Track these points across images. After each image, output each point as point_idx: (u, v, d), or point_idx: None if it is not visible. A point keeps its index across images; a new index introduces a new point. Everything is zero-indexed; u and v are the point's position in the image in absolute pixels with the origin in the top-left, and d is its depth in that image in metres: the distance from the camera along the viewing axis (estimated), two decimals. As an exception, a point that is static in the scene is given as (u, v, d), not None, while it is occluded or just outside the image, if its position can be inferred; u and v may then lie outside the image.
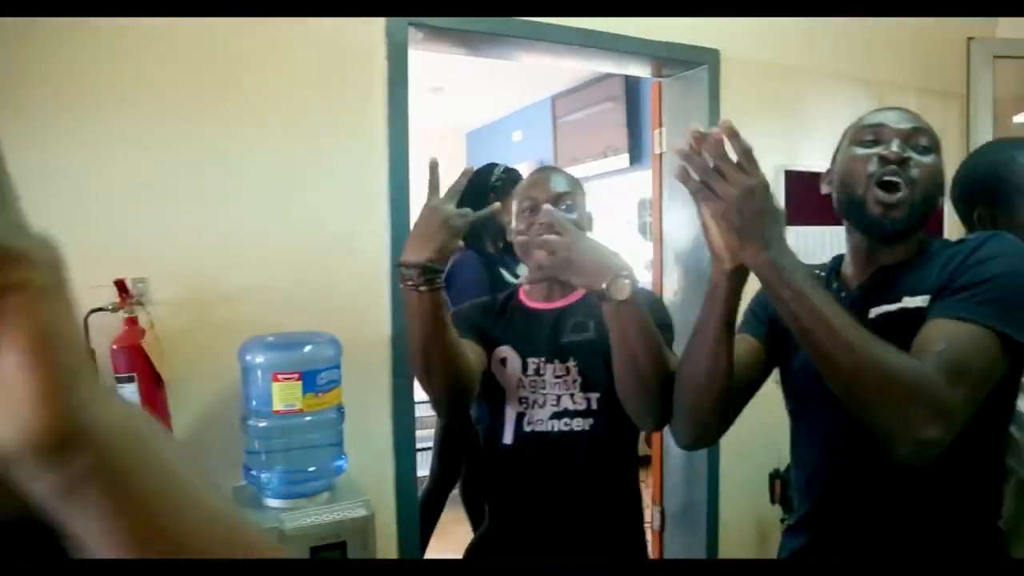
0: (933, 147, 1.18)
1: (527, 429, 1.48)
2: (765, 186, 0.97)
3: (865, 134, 1.18)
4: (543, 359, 1.49)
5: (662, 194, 2.90)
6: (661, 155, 2.92)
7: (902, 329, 1.03)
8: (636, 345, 1.21)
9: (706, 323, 1.14)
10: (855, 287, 1.22)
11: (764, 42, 2.88)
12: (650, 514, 3.24)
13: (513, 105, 6.80)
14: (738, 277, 1.11)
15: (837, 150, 1.27)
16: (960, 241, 1.15)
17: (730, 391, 1.17)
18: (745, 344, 1.29)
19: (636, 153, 5.36)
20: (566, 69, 4.93)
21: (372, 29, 2.18)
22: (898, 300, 1.12)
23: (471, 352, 1.42)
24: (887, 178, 1.12)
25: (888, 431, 0.96)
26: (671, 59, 2.67)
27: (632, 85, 5.27)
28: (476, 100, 6.57)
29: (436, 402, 1.35)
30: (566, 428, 1.46)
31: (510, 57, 2.61)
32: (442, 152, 1.51)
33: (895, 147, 1.13)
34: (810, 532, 1.23)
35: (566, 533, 1.46)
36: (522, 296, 1.61)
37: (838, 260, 1.31)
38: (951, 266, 1.08)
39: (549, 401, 1.47)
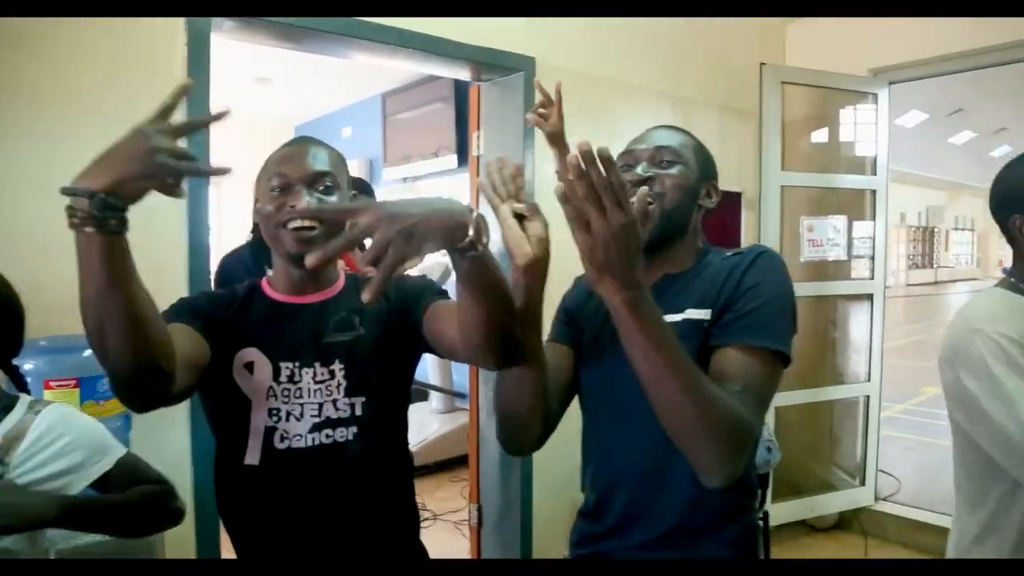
0: (679, 159, 1.27)
1: (280, 446, 1.25)
2: (635, 223, 0.92)
3: (621, 160, 1.26)
4: (299, 363, 1.28)
5: (479, 197, 2.94)
6: (479, 157, 2.97)
7: (684, 338, 1.10)
8: (501, 288, 1.04)
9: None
10: None
11: (578, 53, 3.00)
12: (468, 513, 3.28)
13: (343, 100, 6.66)
14: (531, 276, 1.08)
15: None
16: (735, 253, 1.24)
17: (547, 399, 1.21)
18: (555, 350, 1.32)
19: (464, 154, 5.42)
20: (395, 68, 4.90)
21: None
22: (681, 311, 1.20)
23: (182, 335, 1.17)
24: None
25: (708, 465, 1.03)
26: (489, 64, 2.73)
27: (462, 86, 5.31)
28: (305, 93, 6.37)
29: (115, 382, 1.00)
30: (328, 440, 1.26)
31: (330, 52, 2.55)
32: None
33: (639, 170, 1.24)
34: (595, 520, 1.29)
35: (331, 559, 1.28)
36: (267, 289, 1.36)
37: None
38: (730, 283, 1.18)
39: (308, 411, 1.27)
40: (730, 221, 3.63)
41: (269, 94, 6.16)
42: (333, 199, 1.27)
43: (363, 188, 2.76)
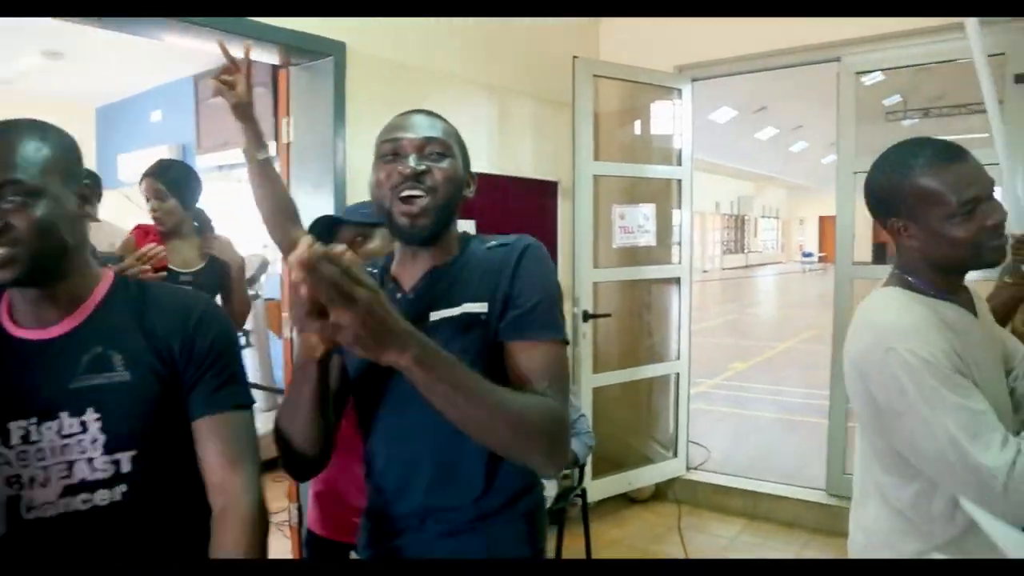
0: (447, 151, 1.23)
1: (28, 516, 1.07)
2: (376, 293, 0.88)
3: (385, 149, 1.21)
4: (36, 419, 1.07)
5: (290, 184, 2.83)
6: (289, 144, 2.85)
7: (463, 330, 1.17)
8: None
9: (297, 403, 1.14)
10: (410, 289, 1.27)
11: (391, 39, 2.95)
12: (288, 512, 3.18)
13: (151, 81, 6.18)
14: (329, 359, 1.12)
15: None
16: (501, 244, 1.25)
17: (327, 438, 1.20)
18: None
19: (286, 141, 5.20)
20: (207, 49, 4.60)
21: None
22: (457, 305, 1.20)
23: None
24: (406, 193, 1.18)
25: (542, 465, 1.16)
26: (298, 48, 2.62)
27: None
28: (106, 72, 5.84)
29: None
30: (85, 506, 1.08)
31: (126, 30, 2.35)
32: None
33: (411, 163, 1.19)
34: (385, 519, 1.27)
35: None
36: (3, 321, 1.13)
37: (388, 259, 1.35)
38: (505, 277, 1.20)
39: (55, 474, 1.07)
40: (547, 209, 3.73)
41: (61, 70, 5.59)
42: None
43: (184, 175, 2.58)
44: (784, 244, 35.41)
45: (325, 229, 1.76)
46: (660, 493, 4.18)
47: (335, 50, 2.70)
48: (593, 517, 3.62)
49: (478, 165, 3.37)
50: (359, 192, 2.80)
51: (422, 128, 1.23)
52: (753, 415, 6.44)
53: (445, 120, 1.29)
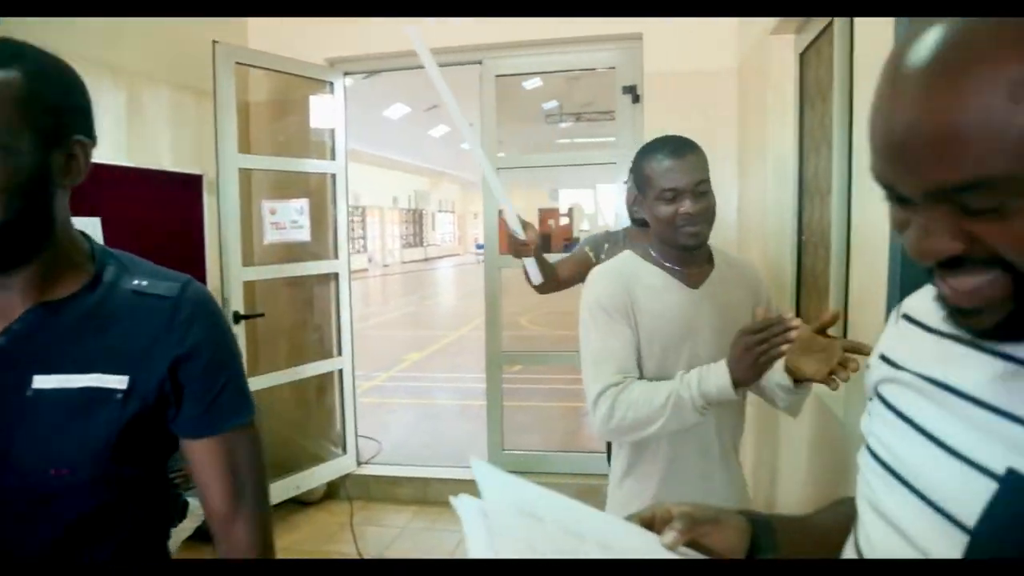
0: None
1: None
2: None
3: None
4: None
5: None
6: None
7: (84, 412, 0.92)
8: None
9: None
10: None
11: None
12: None
13: None
14: None
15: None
16: (157, 296, 0.96)
17: None
18: None
19: None
20: None
21: None
22: (82, 372, 0.94)
23: None
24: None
25: None
26: None
27: None
28: None
29: None
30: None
31: None
32: None
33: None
34: None
35: None
36: None
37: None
38: (167, 347, 0.97)
39: None
40: (190, 204, 3.45)
41: None
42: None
43: None
44: (460, 236, 37.41)
45: None
46: (332, 492, 4.12)
47: None
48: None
49: (104, 155, 3.01)
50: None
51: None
52: (428, 403, 6.66)
53: None
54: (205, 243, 3.50)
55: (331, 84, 3.98)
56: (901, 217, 0.52)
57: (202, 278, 3.48)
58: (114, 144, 3.12)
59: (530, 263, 2.22)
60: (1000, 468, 0.50)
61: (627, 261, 1.63)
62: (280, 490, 3.76)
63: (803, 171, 2.60)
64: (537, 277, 2.27)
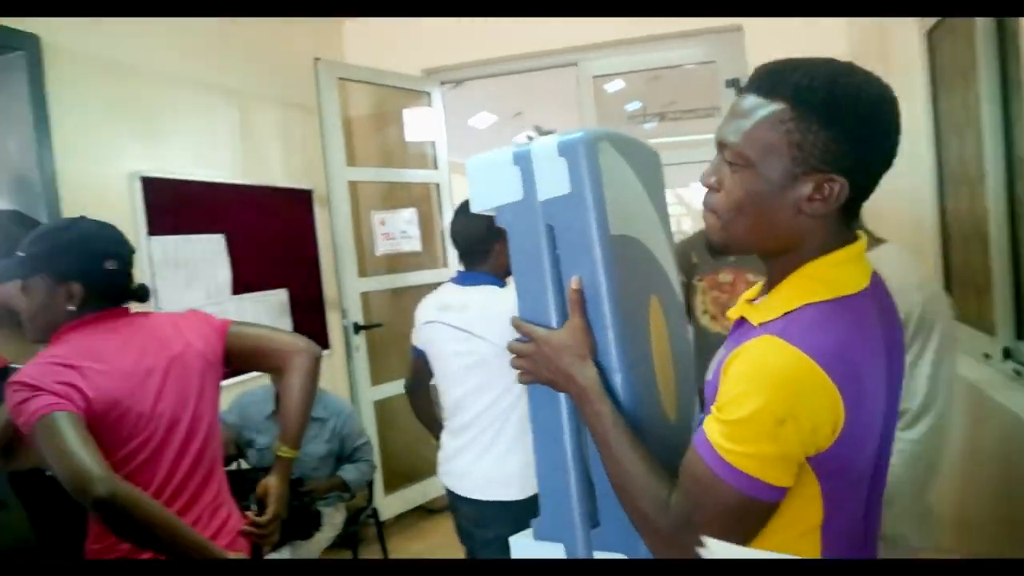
0: None
1: None
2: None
3: None
4: None
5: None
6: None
7: None
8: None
9: None
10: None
11: (98, 34, 2.59)
12: None
13: None
14: None
15: None
16: None
17: None
18: None
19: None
20: None
21: None
22: None
23: None
24: None
25: None
26: (-25, 41, 2.21)
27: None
28: None
29: None
30: None
31: None
32: None
33: None
34: None
35: None
36: None
37: None
38: None
39: None
40: (303, 218, 3.53)
41: None
42: None
43: None
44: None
45: None
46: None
47: (25, 44, 2.31)
48: (390, 534, 3.50)
49: (223, 176, 3.11)
50: (79, 210, 2.42)
51: None
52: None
53: None
54: (319, 255, 3.58)
55: (428, 94, 4.01)
56: None
57: (318, 290, 3.56)
58: (231, 163, 3.23)
59: None
60: None
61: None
62: (406, 498, 3.81)
63: (941, 157, 2.42)
64: None
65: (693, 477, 0.86)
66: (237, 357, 1.60)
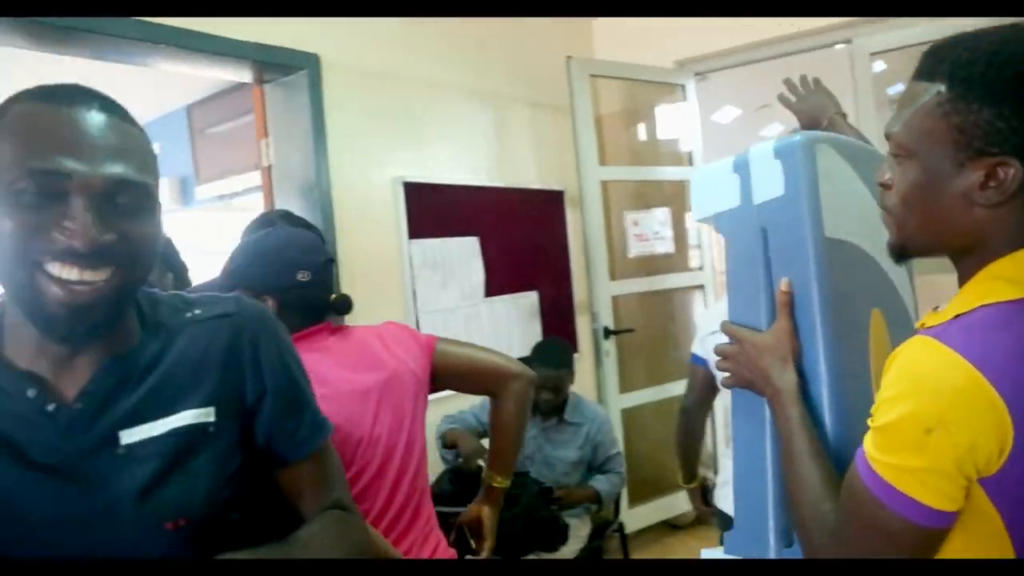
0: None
1: None
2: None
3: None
4: None
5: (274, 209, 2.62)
6: (270, 167, 2.65)
7: (184, 454, 0.85)
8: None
9: None
10: (75, 396, 0.85)
11: (369, 49, 2.75)
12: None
13: (146, 115, 6.05)
14: None
15: None
16: (214, 316, 0.91)
17: None
18: None
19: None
20: (200, 77, 4.46)
21: None
22: (165, 415, 0.88)
23: None
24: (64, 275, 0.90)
25: None
26: (267, 63, 2.43)
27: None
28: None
29: None
30: None
31: (114, 59, 2.25)
32: None
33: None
34: None
35: None
36: None
37: None
38: (241, 368, 0.92)
39: None
40: (555, 220, 3.50)
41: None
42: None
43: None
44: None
45: None
46: (703, 516, 3.89)
47: (308, 63, 2.49)
48: (633, 548, 3.38)
49: (477, 178, 3.17)
50: (349, 215, 2.59)
51: (105, 160, 0.75)
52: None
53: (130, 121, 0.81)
54: (570, 257, 3.54)
55: (683, 87, 3.80)
56: None
57: (569, 293, 3.51)
58: (485, 166, 3.28)
59: None
60: None
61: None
62: (651, 512, 3.66)
63: None
64: None
65: (847, 486, 0.81)
66: (444, 376, 1.49)
